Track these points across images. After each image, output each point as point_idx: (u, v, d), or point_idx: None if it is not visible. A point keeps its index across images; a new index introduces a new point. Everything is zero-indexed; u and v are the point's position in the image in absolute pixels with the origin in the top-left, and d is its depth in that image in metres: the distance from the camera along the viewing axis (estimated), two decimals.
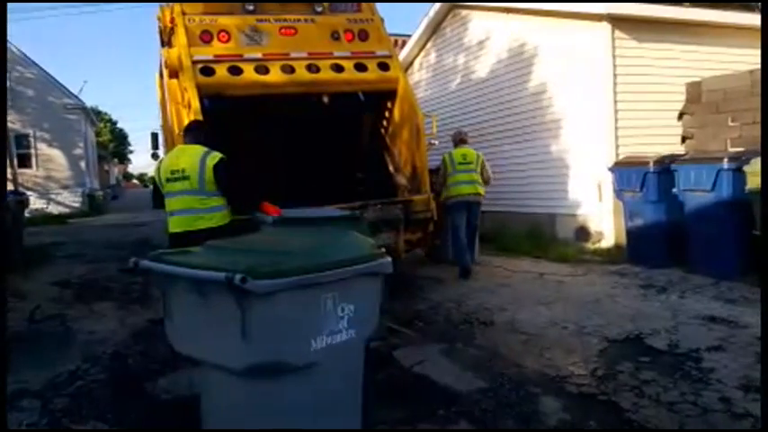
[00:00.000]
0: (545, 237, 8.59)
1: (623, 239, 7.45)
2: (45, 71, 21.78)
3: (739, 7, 8.25)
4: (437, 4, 11.15)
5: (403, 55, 11.77)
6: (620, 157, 7.51)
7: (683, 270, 6.34)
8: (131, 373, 4.12)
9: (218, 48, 5.85)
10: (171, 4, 6.14)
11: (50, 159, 21.42)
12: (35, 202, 18.45)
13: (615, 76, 7.76)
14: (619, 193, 7.20)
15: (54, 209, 20.67)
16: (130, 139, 64.52)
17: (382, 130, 6.93)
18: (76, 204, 21.53)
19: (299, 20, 6.26)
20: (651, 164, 6.64)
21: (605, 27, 7.77)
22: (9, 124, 17.70)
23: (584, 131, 8.19)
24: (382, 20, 6.62)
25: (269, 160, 6.86)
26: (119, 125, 58.45)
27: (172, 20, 6.00)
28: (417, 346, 4.45)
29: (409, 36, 12.38)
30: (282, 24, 6.17)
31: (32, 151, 21.07)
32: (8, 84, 17.18)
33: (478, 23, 10.34)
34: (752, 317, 4.54)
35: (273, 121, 6.71)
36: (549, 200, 8.83)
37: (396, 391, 3.55)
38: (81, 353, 4.52)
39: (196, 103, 5.20)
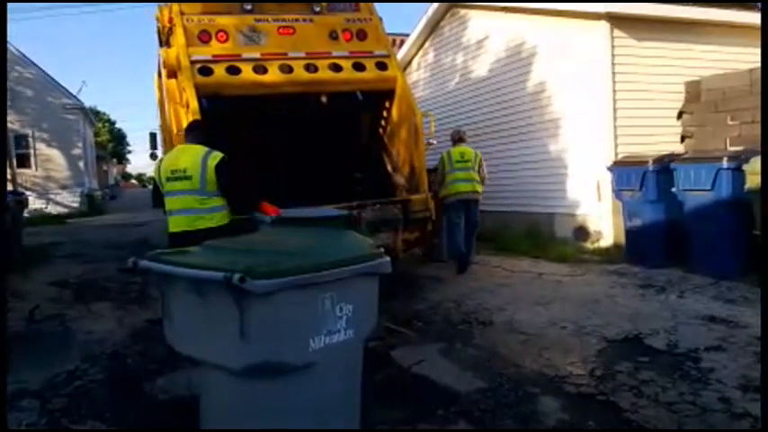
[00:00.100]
0: (544, 236, 8.58)
1: (622, 239, 7.44)
2: (44, 71, 21.77)
3: (739, 6, 8.24)
4: (435, 4, 11.12)
5: (401, 54, 11.77)
6: (619, 156, 7.50)
7: (682, 270, 6.34)
8: (130, 373, 4.12)
9: (216, 47, 5.85)
10: (169, 3, 6.14)
11: (49, 159, 21.40)
12: (34, 203, 18.42)
13: (614, 75, 7.75)
14: (618, 192, 7.19)
15: (53, 209, 20.65)
16: (129, 139, 64.44)
17: (380, 130, 6.93)
18: (75, 204, 21.51)
19: (297, 19, 6.25)
20: (650, 163, 6.63)
21: (604, 26, 7.76)
22: (8, 124, 17.69)
23: (582, 131, 8.18)
24: (380, 19, 6.62)
25: (267, 160, 6.84)
26: (117, 125, 58.55)
27: (170, 20, 6.00)
28: (416, 345, 4.45)
29: (407, 35, 12.37)
30: (281, 24, 6.17)
31: (31, 151, 21.05)
32: (8, 84, 17.14)
33: (477, 22, 10.33)
34: (751, 317, 4.55)
35: (271, 121, 6.70)
36: (547, 199, 8.82)
37: (395, 390, 3.54)
38: (80, 353, 4.52)
39: (194, 103, 5.20)
